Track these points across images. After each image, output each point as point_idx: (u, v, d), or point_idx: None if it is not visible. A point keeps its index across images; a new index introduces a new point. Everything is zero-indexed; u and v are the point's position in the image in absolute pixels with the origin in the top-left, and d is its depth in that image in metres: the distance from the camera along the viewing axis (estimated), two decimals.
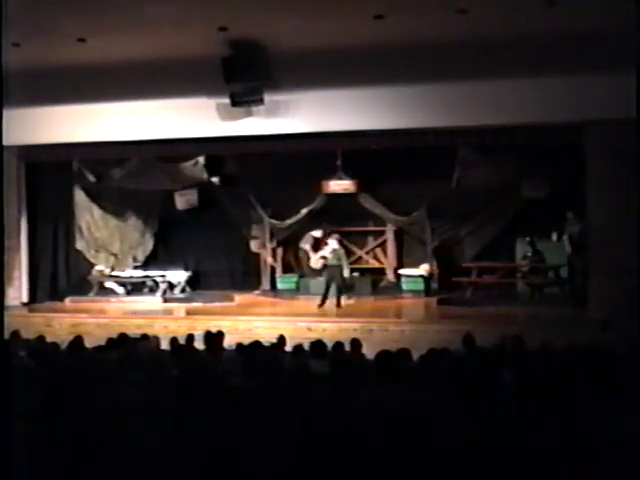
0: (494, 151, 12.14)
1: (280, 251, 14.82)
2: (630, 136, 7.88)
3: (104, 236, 14.94)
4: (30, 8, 8.36)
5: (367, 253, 14.86)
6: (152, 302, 13.84)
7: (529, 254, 12.96)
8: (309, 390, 4.82)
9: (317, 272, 13.99)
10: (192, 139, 12.35)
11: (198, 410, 4.36)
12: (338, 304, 12.45)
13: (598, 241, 10.75)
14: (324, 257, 13.03)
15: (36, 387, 4.74)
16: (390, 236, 14.48)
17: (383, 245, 14.73)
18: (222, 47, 10.48)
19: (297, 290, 14.32)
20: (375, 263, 14.76)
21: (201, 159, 13.34)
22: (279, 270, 14.76)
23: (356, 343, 7.11)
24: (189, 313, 12.77)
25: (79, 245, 14.81)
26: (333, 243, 12.84)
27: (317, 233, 14.43)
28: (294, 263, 14.82)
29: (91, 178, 14.09)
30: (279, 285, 14.67)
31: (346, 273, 12.64)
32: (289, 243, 14.82)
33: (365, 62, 10.96)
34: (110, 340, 7.37)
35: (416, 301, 13.25)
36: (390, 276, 14.42)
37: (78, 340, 7.30)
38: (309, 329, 10.65)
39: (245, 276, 15.10)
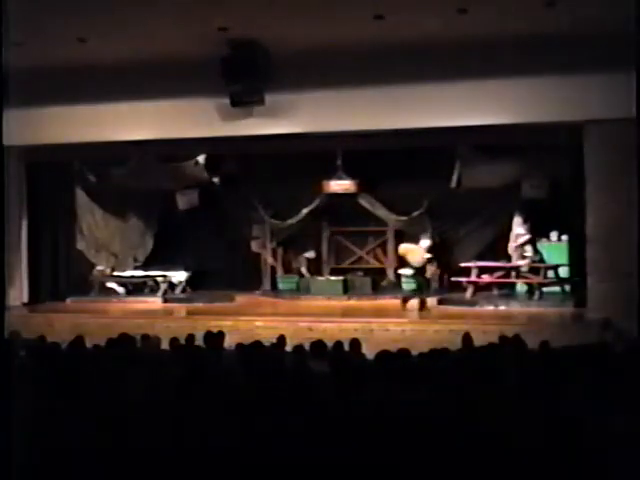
0: (494, 151, 12.14)
1: (280, 251, 14.83)
2: (630, 136, 7.88)
3: (105, 236, 14.94)
4: (30, 8, 8.36)
5: (367, 253, 14.86)
6: (153, 302, 13.84)
7: (529, 254, 12.95)
8: (309, 390, 4.83)
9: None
10: (192, 139, 12.35)
11: (199, 410, 4.36)
12: (424, 306, 12.12)
13: (598, 241, 10.74)
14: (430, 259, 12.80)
15: (37, 387, 4.74)
16: (390, 236, 14.49)
17: (383, 245, 14.74)
18: (222, 47, 10.49)
19: (297, 290, 14.32)
20: (375, 263, 14.77)
21: (201, 159, 13.35)
22: (280, 270, 14.77)
23: (355, 343, 7.11)
24: (190, 313, 12.78)
25: (80, 245, 14.80)
26: (426, 243, 12.81)
27: (310, 254, 14.53)
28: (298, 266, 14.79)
29: (92, 178, 14.09)
30: (280, 285, 14.68)
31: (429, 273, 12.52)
32: (289, 244, 14.83)
33: (365, 62, 10.96)
34: (111, 340, 7.37)
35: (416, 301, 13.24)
36: (390, 276, 14.43)
37: (79, 340, 7.31)
38: (310, 329, 10.64)
39: (246, 276, 15.09)
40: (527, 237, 12.90)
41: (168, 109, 11.88)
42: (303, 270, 14.57)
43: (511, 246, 13.08)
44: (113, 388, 4.94)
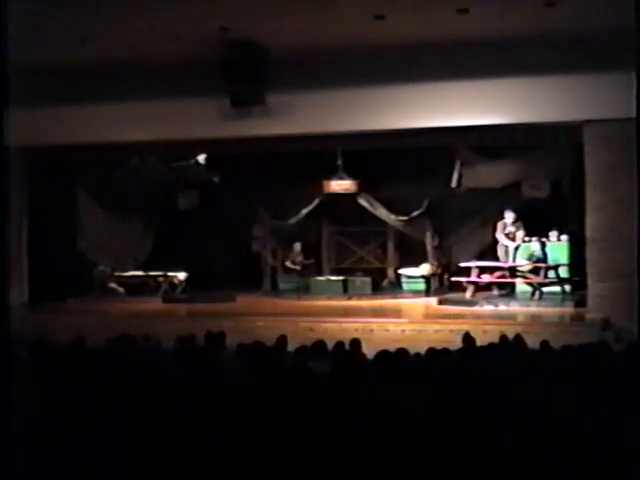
0: (494, 151, 12.15)
1: (280, 251, 14.84)
2: (630, 136, 7.88)
3: (105, 236, 14.95)
4: (31, 8, 8.36)
5: (367, 253, 14.87)
6: (153, 302, 13.83)
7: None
8: (310, 390, 4.83)
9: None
10: (192, 139, 12.35)
11: (199, 410, 4.37)
12: None
13: (598, 241, 10.74)
14: None
15: (37, 388, 4.75)
16: (390, 236, 14.50)
17: (383, 245, 14.75)
18: (222, 47, 10.50)
19: (298, 290, 14.33)
20: (375, 263, 14.78)
21: (202, 159, 13.36)
22: (280, 270, 14.78)
23: (355, 343, 7.11)
24: (190, 313, 12.78)
25: (80, 245, 14.81)
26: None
27: (297, 246, 14.61)
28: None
29: (92, 178, 14.10)
30: (280, 285, 14.68)
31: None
32: (289, 244, 14.84)
33: (365, 62, 10.97)
34: (111, 340, 7.37)
35: (416, 301, 13.27)
36: (390, 276, 14.44)
37: (79, 341, 7.30)
38: (310, 329, 10.64)
39: (246, 276, 15.10)
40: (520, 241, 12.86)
41: (168, 109, 11.87)
42: (288, 263, 14.55)
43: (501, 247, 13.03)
44: (113, 389, 4.94)
